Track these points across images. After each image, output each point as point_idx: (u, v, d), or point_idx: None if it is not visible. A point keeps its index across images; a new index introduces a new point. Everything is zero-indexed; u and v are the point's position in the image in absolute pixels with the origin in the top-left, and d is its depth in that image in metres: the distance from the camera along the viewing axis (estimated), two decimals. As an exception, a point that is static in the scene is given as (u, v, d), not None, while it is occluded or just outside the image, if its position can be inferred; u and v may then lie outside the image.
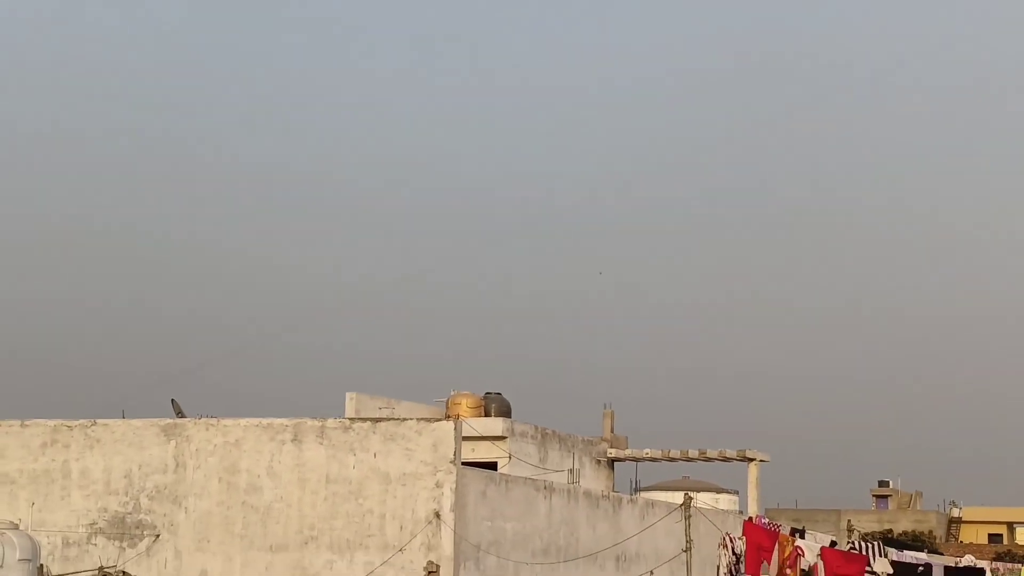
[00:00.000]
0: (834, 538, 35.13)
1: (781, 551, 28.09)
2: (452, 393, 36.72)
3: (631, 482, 46.07)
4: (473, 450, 33.21)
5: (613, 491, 37.05)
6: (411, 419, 25.31)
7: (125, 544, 26.16)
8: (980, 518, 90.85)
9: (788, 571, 28.11)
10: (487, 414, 36.22)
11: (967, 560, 44.30)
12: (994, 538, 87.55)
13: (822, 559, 28.97)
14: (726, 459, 41.45)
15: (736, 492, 46.37)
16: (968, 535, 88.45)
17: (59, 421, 26.91)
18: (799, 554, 28.54)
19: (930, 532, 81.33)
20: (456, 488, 24.32)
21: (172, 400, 29.63)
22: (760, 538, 27.66)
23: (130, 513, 26.28)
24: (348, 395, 33.81)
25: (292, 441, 25.34)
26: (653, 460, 41.34)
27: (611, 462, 40.73)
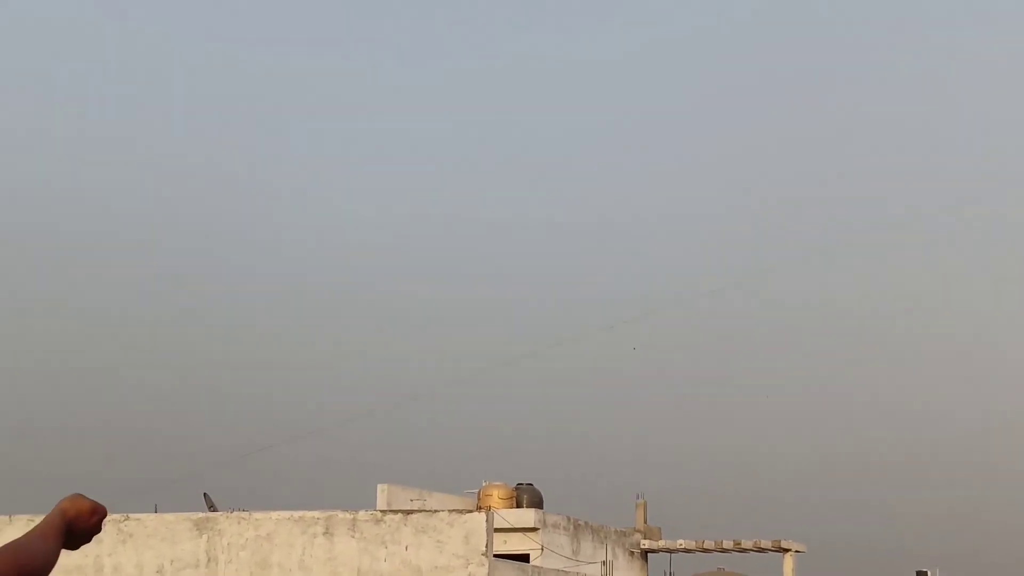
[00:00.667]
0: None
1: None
2: (484, 484, 36.61)
3: (665, 574, 45.71)
4: (505, 542, 33.04)
5: (647, 583, 36.69)
6: (443, 511, 25.27)
7: (157, 639, 26.07)
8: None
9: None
10: (519, 505, 36.05)
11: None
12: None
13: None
14: (761, 550, 41.10)
15: (772, 583, 45.90)
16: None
17: (92, 515, 26.91)
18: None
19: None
20: (488, 581, 24.20)
21: (204, 494, 29.65)
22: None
23: (162, 608, 26.22)
24: (380, 487, 33.76)
25: (324, 534, 25.32)
26: (687, 551, 41.02)
27: (644, 553, 40.43)
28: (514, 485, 37.03)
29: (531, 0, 75.40)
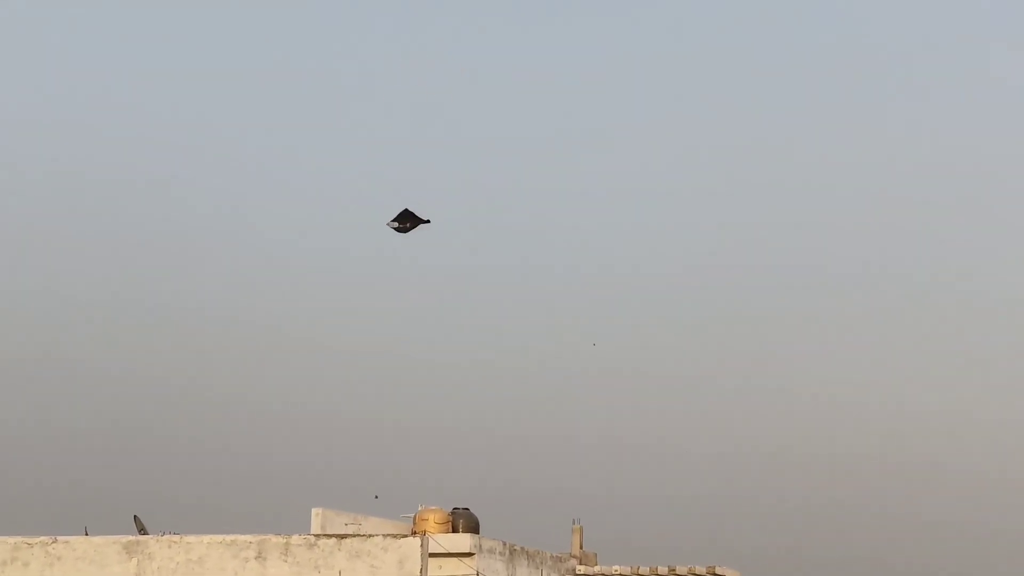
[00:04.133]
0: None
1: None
2: (419, 508, 36.37)
3: (600, 599, 45.59)
4: (440, 567, 32.79)
5: (582, 608, 36.59)
6: (377, 535, 25.06)
7: (84, 665, 25.67)
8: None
9: None
10: (455, 530, 35.82)
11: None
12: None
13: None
14: (695, 575, 41.13)
15: (706, 609, 45.93)
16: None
17: (20, 538, 26.50)
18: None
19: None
20: (423, 606, 23.98)
21: (135, 516, 29.28)
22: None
23: (90, 633, 25.82)
24: (314, 510, 33.43)
25: (256, 558, 25.03)
26: (622, 576, 40.98)
27: (580, 578, 40.33)
28: (450, 509, 36.82)
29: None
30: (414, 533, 31.99)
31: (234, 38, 76.96)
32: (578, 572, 40.08)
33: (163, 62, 74.56)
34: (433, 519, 35.81)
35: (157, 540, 25.96)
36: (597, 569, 40.53)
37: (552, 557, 39.28)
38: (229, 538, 25.38)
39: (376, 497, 44.41)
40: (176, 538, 25.78)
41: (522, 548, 37.15)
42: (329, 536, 25.45)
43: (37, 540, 26.45)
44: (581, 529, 41.18)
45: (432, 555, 26.81)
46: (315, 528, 33.05)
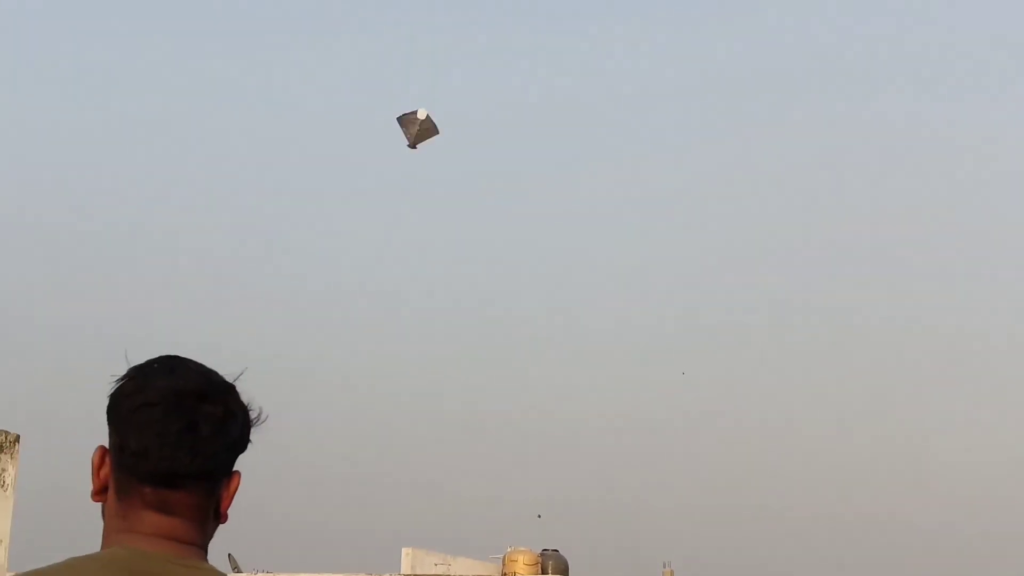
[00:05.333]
0: None
1: None
2: (508, 550, 36.43)
3: (690, 642, 45.27)
4: (530, 608, 32.79)
5: (672, 652, 36.35)
6: (467, 576, 25.14)
7: None
8: None
9: None
10: (544, 571, 35.85)
11: None
12: None
13: None
14: (787, 620, 40.67)
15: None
16: None
17: None
18: None
19: None
20: (512, 648, 24.02)
21: (229, 555, 29.59)
22: None
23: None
24: (404, 551, 33.61)
25: (347, 598, 25.21)
26: (713, 620, 40.63)
27: (670, 621, 40.10)
28: (539, 551, 36.84)
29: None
30: (504, 575, 32.05)
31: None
32: (667, 615, 39.82)
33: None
34: (522, 560, 35.83)
35: (250, 578, 26.24)
36: (687, 612, 40.25)
37: (642, 600, 39.10)
38: (321, 577, 25.61)
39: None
40: (270, 575, 26.05)
41: (611, 590, 37.02)
42: (419, 576, 25.58)
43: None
44: (672, 573, 40.96)
45: (521, 596, 26.81)
46: (405, 568, 33.21)
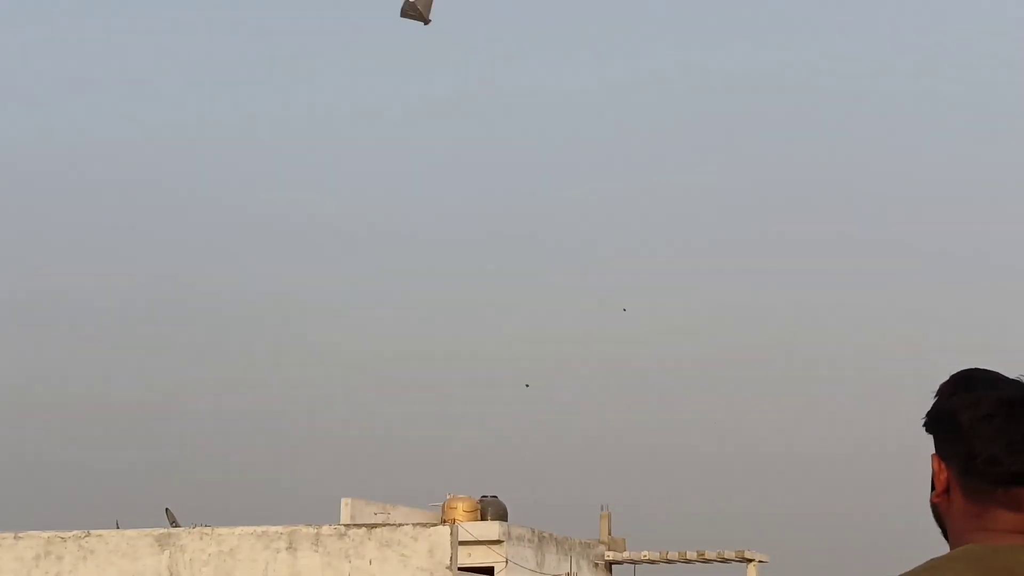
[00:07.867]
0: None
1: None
2: (448, 497, 36.54)
3: (629, 585, 45.72)
4: (470, 555, 32.97)
5: (611, 594, 36.69)
6: (407, 524, 25.21)
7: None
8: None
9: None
10: (483, 518, 36.00)
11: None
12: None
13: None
14: (724, 560, 41.18)
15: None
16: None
17: (53, 533, 26.75)
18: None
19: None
20: (453, 594, 24.15)
21: (166, 509, 29.50)
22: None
23: (124, 625, 26.06)
24: (343, 500, 33.64)
25: (287, 549, 25.21)
26: (651, 562, 41.04)
27: (609, 565, 40.45)
28: (478, 498, 36.98)
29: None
30: (443, 522, 32.17)
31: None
32: (607, 558, 40.20)
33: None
34: (462, 507, 36.01)
35: (189, 532, 26.17)
36: (626, 555, 40.64)
37: (581, 544, 39.41)
38: (260, 529, 25.57)
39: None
40: (207, 530, 25.98)
41: (551, 535, 37.29)
42: (359, 526, 25.63)
43: (70, 534, 26.70)
44: (610, 515, 41.32)
45: (461, 543, 26.96)
46: (345, 518, 33.27)
